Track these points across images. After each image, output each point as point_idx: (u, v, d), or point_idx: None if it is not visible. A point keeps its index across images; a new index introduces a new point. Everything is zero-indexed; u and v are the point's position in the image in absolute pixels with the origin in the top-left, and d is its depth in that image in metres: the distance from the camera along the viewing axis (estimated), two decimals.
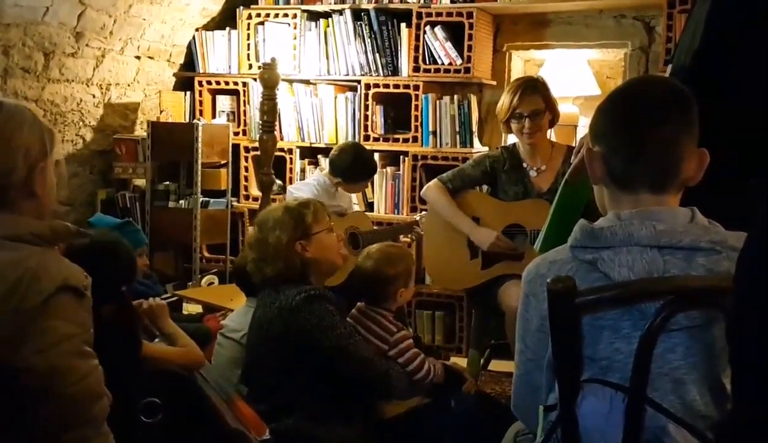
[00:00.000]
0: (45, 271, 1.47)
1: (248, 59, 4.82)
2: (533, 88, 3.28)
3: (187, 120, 4.97)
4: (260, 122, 4.35)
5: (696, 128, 1.41)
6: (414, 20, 4.41)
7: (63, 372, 1.48)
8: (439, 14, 4.38)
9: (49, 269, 1.49)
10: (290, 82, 4.74)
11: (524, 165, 3.36)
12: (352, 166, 3.80)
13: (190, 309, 3.96)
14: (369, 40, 4.54)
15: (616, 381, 1.29)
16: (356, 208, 4.48)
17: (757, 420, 0.99)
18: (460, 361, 3.41)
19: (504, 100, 3.30)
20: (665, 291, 1.27)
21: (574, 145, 3.64)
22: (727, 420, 1.26)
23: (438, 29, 4.38)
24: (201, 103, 5.00)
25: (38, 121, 1.62)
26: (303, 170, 4.75)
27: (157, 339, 2.80)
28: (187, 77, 5.08)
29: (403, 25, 4.47)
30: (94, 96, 4.55)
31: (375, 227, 4.11)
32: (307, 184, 3.93)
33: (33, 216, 1.57)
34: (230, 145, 4.80)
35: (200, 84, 4.99)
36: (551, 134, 4.02)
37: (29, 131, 1.57)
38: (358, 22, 4.56)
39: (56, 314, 1.48)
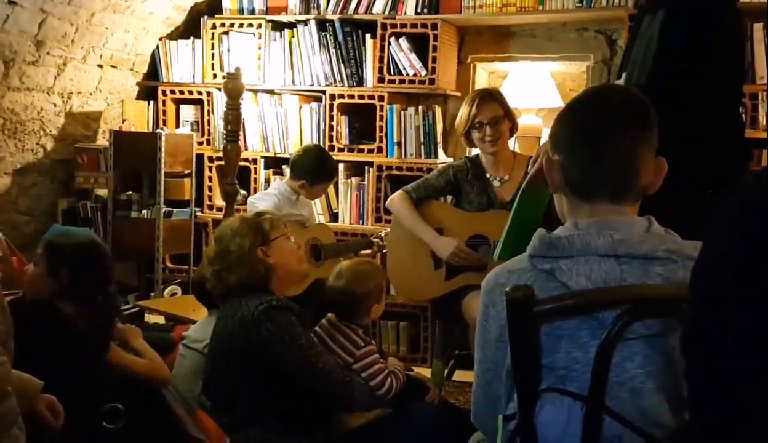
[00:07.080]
0: None
1: (212, 69, 4.80)
2: (490, 97, 3.34)
3: (151, 129, 4.91)
4: (224, 132, 4.31)
5: (655, 137, 1.41)
6: (379, 31, 4.42)
7: None
8: (403, 25, 4.39)
9: None
10: (255, 91, 4.72)
11: (487, 175, 3.38)
12: (317, 165, 3.80)
13: (153, 319, 3.90)
14: (334, 51, 4.54)
15: (574, 390, 1.29)
16: (321, 219, 4.46)
17: (713, 431, 0.99)
18: (424, 371, 3.41)
19: (462, 112, 3.34)
20: (622, 301, 1.28)
21: None
22: (684, 430, 1.28)
23: (403, 40, 4.40)
24: (164, 112, 4.95)
25: None
26: (267, 180, 4.73)
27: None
28: (150, 86, 5.03)
29: (367, 36, 4.48)
30: (55, 105, 4.48)
31: (337, 239, 4.09)
32: (267, 193, 3.91)
33: None
34: (194, 154, 4.77)
35: (164, 93, 4.94)
36: (514, 145, 4.06)
37: None
38: (323, 33, 4.56)
39: None
